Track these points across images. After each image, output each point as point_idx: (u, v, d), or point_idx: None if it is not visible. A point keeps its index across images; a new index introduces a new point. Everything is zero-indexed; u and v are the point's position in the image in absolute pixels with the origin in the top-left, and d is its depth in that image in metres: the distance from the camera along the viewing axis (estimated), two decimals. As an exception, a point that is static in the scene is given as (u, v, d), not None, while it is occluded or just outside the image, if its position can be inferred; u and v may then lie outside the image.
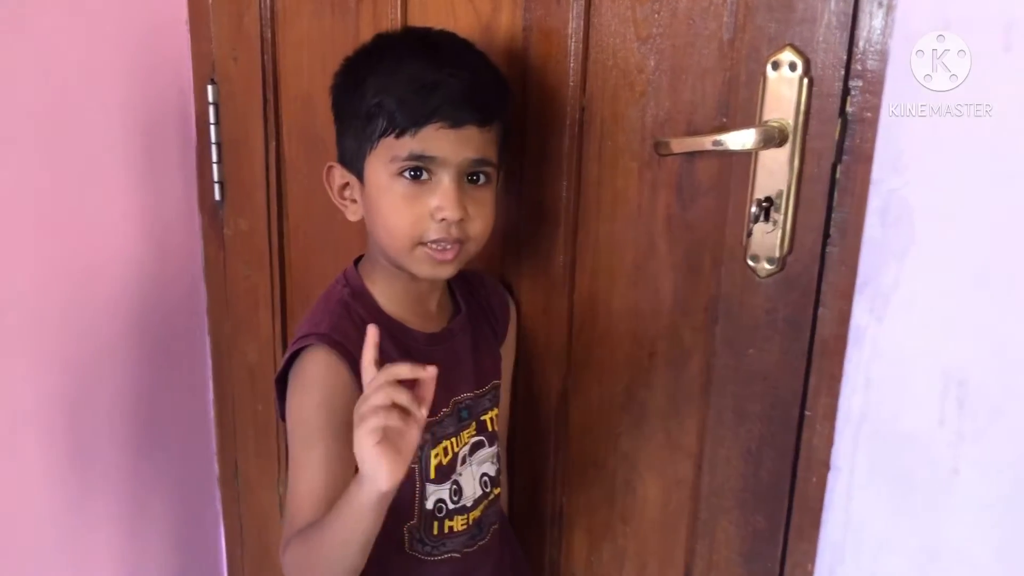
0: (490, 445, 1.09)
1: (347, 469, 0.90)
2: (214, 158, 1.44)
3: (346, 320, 0.98)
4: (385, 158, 0.93)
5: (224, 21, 1.36)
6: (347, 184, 1.00)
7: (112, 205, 1.37)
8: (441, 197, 0.93)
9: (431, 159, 0.93)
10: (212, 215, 1.49)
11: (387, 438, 0.77)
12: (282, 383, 0.98)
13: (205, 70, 1.41)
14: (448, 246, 0.95)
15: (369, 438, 0.76)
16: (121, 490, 1.47)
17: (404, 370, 0.78)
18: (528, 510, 1.26)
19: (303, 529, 0.88)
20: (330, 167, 1.01)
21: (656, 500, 1.16)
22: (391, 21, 1.18)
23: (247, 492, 1.61)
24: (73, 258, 1.32)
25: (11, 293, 1.24)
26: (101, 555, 1.46)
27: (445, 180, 0.93)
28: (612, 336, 1.13)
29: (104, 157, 1.34)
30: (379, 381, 0.77)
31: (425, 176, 0.93)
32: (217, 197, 1.46)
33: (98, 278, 1.36)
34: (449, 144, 0.92)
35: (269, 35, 1.32)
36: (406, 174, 0.93)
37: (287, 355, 0.97)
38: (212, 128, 1.43)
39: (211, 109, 1.41)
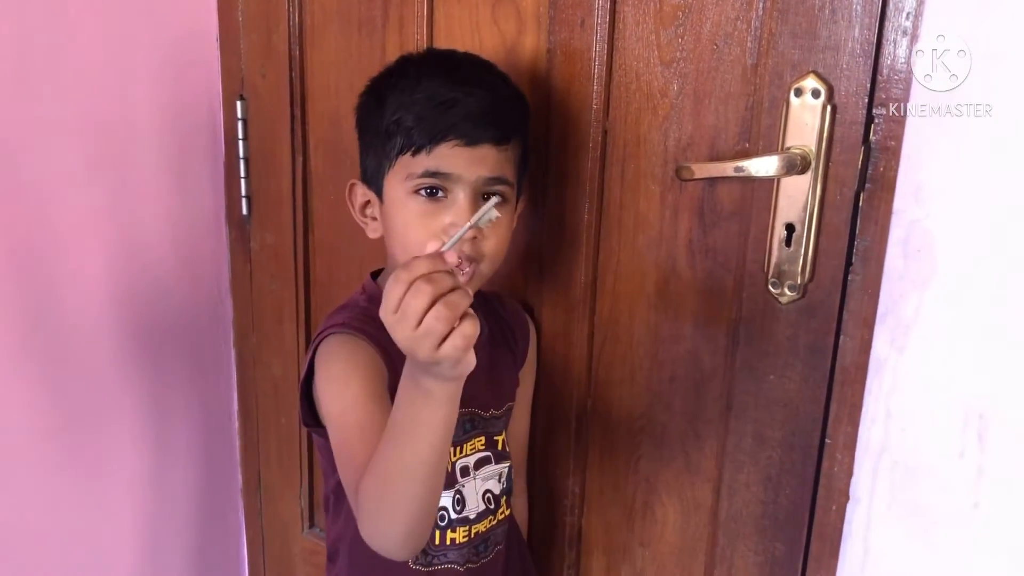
0: (496, 463, 1.09)
1: (384, 410, 0.86)
2: (242, 173, 1.46)
3: (364, 318, 0.97)
4: (402, 176, 0.94)
5: (254, 38, 1.38)
6: (368, 202, 1.01)
7: (142, 218, 1.39)
8: (455, 214, 0.93)
9: (446, 176, 0.93)
10: (239, 229, 1.50)
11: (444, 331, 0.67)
12: (307, 390, 0.99)
13: (234, 86, 1.43)
14: (465, 267, 0.94)
15: (431, 343, 0.67)
16: (145, 499, 1.49)
17: (422, 265, 0.68)
18: (546, 531, 1.26)
19: (370, 464, 0.81)
20: (352, 185, 1.03)
21: (675, 524, 1.15)
22: (417, 41, 1.18)
23: (269, 502, 1.62)
24: (104, 269, 1.34)
25: (46, 303, 1.26)
26: (124, 563, 1.48)
27: (460, 198, 0.93)
28: (633, 359, 1.12)
29: (135, 171, 1.36)
30: (405, 282, 0.67)
31: (441, 194, 0.94)
32: (244, 211, 1.48)
33: (127, 290, 1.38)
34: (464, 162, 0.92)
35: (297, 52, 1.33)
36: (422, 192, 0.94)
37: (309, 357, 0.97)
38: (240, 143, 1.44)
39: (239, 124, 1.43)
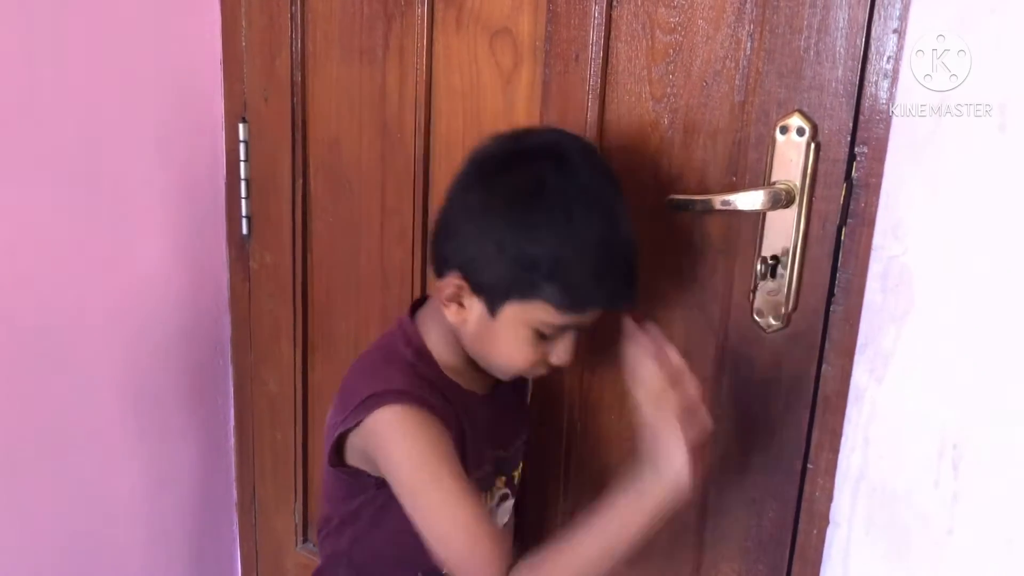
0: (512, 497, 1.12)
1: (480, 501, 0.95)
2: (243, 194, 1.49)
3: (416, 380, 0.97)
4: (535, 316, 0.92)
5: (256, 63, 1.41)
6: (459, 292, 0.95)
7: (143, 236, 1.41)
8: (565, 352, 0.96)
9: (577, 327, 0.95)
10: (239, 248, 1.53)
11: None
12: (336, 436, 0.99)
13: (237, 109, 1.46)
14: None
15: (692, 434, 0.83)
16: (141, 513, 1.51)
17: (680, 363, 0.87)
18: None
19: (545, 554, 0.90)
20: (452, 277, 0.94)
21: (661, 546, 1.17)
22: (416, 71, 1.22)
23: (263, 517, 1.64)
24: (104, 286, 1.37)
25: (44, 318, 1.29)
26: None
27: (570, 336, 0.96)
28: (622, 383, 1.14)
29: (138, 191, 1.39)
30: (673, 374, 0.84)
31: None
32: (244, 231, 1.51)
33: (127, 306, 1.41)
34: (593, 317, 0.95)
35: (299, 78, 1.36)
36: (547, 331, 0.94)
37: (358, 412, 0.95)
38: (242, 165, 1.47)
39: (241, 147, 1.46)
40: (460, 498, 0.91)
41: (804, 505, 1.02)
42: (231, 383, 1.61)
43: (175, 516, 1.57)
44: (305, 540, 1.60)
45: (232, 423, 1.64)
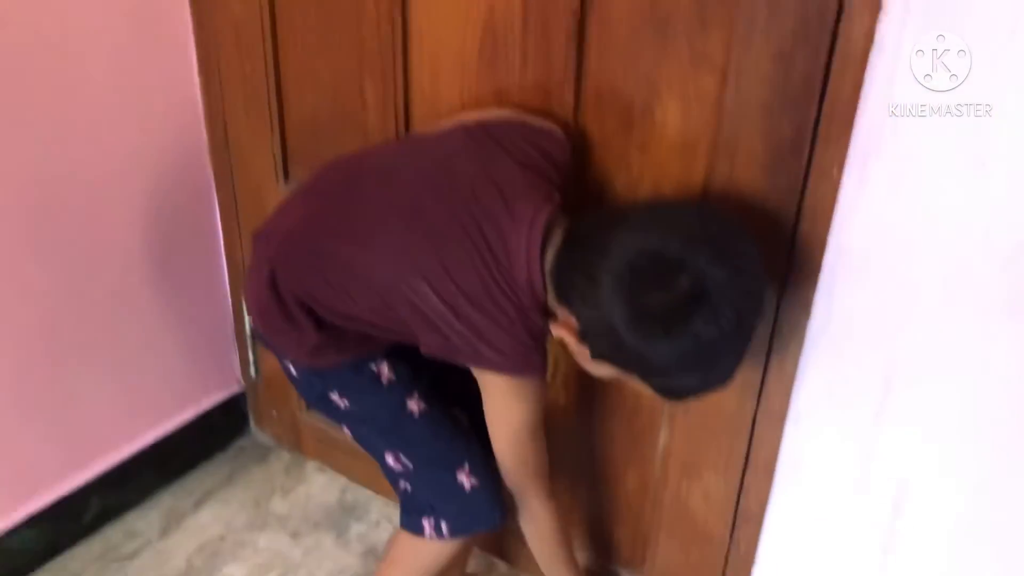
0: None
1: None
2: None
3: (531, 341, 1.04)
4: (630, 377, 1.02)
5: None
6: (569, 329, 1.02)
7: None
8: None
9: None
10: None
11: None
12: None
13: None
14: None
15: None
16: (115, 191, 1.43)
17: None
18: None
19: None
20: (565, 314, 1.03)
21: (675, 122, 1.11)
22: None
23: (239, 159, 1.56)
24: None
25: None
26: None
27: None
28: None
29: None
30: None
31: None
32: None
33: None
34: None
35: None
36: None
37: (478, 360, 1.04)
38: None
39: None
40: (537, 454, 1.14)
41: (839, 47, 0.95)
42: (188, 9, 1.46)
43: (140, 165, 1.49)
44: (287, 177, 1.53)
45: (194, 58, 1.50)
